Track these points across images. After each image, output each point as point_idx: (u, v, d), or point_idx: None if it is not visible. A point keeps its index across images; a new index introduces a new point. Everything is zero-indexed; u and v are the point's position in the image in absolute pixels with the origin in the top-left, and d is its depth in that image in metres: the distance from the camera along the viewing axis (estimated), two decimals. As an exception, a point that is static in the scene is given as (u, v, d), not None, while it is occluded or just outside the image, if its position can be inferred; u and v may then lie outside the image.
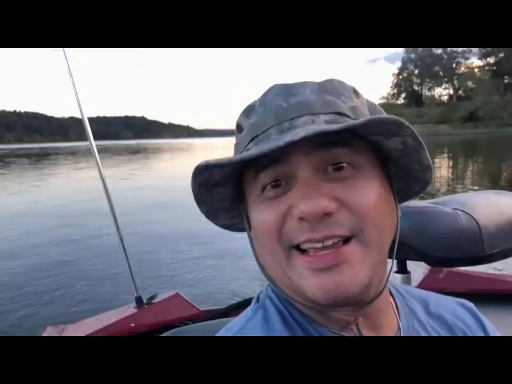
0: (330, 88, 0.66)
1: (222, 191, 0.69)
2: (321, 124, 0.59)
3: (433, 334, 0.73)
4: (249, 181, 0.66)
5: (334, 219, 0.58)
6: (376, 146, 0.64)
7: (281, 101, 0.65)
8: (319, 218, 0.57)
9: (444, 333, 0.74)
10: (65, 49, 2.27)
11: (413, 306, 0.76)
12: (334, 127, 0.54)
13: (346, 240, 0.59)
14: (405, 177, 0.70)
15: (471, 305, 0.81)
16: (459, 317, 0.77)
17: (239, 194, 0.72)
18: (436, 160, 28.67)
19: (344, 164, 0.60)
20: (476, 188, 14.56)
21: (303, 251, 0.60)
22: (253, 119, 0.67)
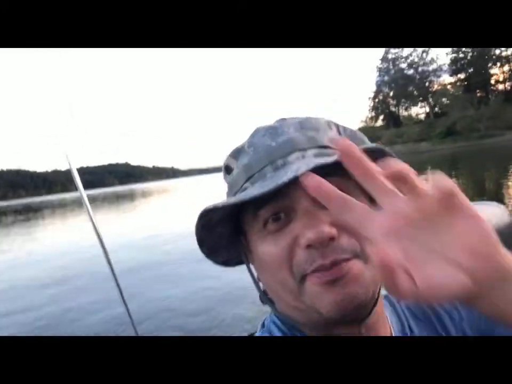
0: (309, 124, 0.72)
1: (221, 230, 0.73)
2: (311, 158, 0.65)
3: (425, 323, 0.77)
4: (248, 217, 0.70)
5: (337, 244, 0.62)
6: None
7: (270, 141, 0.70)
8: (325, 244, 0.61)
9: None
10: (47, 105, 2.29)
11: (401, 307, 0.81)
12: (330, 159, 0.60)
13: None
14: None
15: None
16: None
17: (237, 230, 0.75)
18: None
19: None
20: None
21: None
22: (245, 160, 0.72)
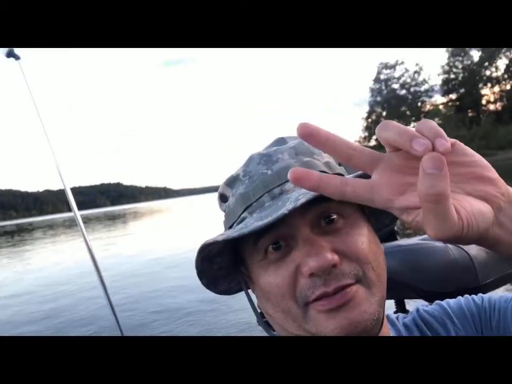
0: (303, 149, 0.72)
1: (221, 260, 0.72)
2: None
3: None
4: (248, 246, 0.69)
5: (339, 270, 0.62)
6: None
7: (265, 169, 0.70)
8: (327, 272, 0.61)
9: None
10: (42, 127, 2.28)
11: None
12: None
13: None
14: (376, 212, 0.73)
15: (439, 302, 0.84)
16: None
17: (236, 261, 0.75)
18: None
19: (334, 216, 0.66)
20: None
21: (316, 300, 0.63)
22: (241, 189, 0.72)
